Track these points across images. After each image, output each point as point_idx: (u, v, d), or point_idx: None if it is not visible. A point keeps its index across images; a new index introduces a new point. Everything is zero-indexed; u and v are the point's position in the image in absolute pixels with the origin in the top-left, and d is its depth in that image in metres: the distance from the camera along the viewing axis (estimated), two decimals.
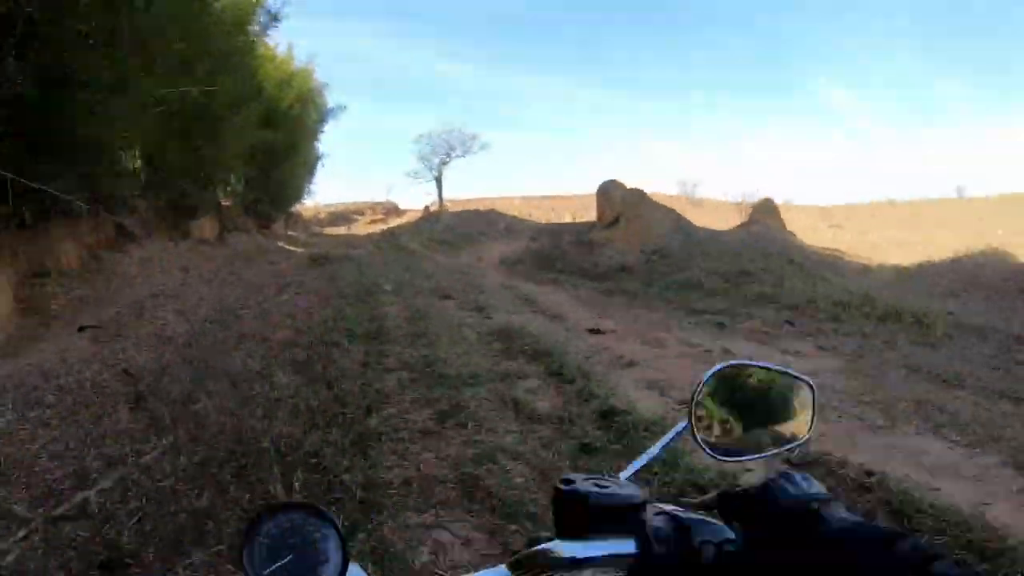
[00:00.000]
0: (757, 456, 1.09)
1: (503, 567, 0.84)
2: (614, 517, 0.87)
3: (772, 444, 1.11)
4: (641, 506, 0.88)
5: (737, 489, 0.90)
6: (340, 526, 0.86)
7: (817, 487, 0.86)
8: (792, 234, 18.60)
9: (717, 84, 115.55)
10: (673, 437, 1.11)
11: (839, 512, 0.81)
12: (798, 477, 0.88)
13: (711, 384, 1.07)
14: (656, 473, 3.77)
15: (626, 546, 0.84)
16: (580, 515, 0.87)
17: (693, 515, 0.87)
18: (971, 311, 11.30)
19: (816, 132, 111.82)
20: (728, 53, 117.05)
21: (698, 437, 1.04)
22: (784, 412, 1.13)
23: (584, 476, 0.91)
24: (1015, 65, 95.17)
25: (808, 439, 1.11)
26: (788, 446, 1.10)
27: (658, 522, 0.86)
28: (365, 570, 1.04)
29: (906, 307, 10.42)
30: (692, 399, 1.04)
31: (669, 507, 0.89)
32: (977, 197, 27.55)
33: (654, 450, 1.11)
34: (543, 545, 0.84)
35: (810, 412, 1.11)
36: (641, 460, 1.09)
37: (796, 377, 1.12)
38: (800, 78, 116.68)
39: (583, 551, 0.83)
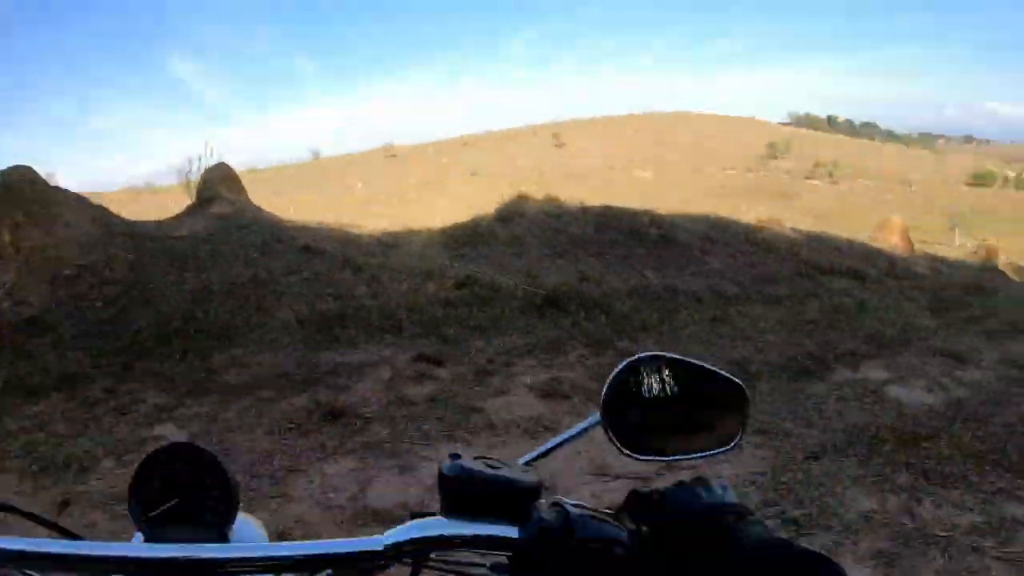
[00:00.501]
0: (677, 458, 1.05)
1: (380, 537, 0.80)
2: (502, 502, 0.84)
3: (696, 447, 1.06)
4: (533, 493, 0.86)
5: (646, 490, 0.88)
6: (228, 468, 0.90)
7: (733, 497, 0.83)
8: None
9: None
10: (583, 429, 1.04)
11: (755, 528, 0.78)
12: (716, 485, 0.85)
13: (628, 375, 1.03)
14: None
15: (509, 532, 0.83)
16: (465, 494, 0.84)
17: (588, 512, 0.84)
18: None
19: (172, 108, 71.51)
20: None
21: (610, 432, 0.99)
22: (711, 414, 1.08)
23: (475, 454, 0.89)
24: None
25: (736, 445, 1.06)
26: (714, 451, 1.06)
27: (547, 514, 0.84)
28: (250, 513, 1.07)
29: None
30: (605, 388, 1.00)
31: (567, 500, 0.86)
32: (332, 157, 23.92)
33: (559, 439, 1.05)
34: (423, 519, 0.85)
35: (740, 417, 1.07)
36: (544, 447, 1.05)
37: (728, 379, 1.07)
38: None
39: (463, 529, 0.82)
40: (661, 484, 0.87)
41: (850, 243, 16.97)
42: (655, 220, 13.68)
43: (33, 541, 0.73)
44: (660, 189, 52.44)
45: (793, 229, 16.82)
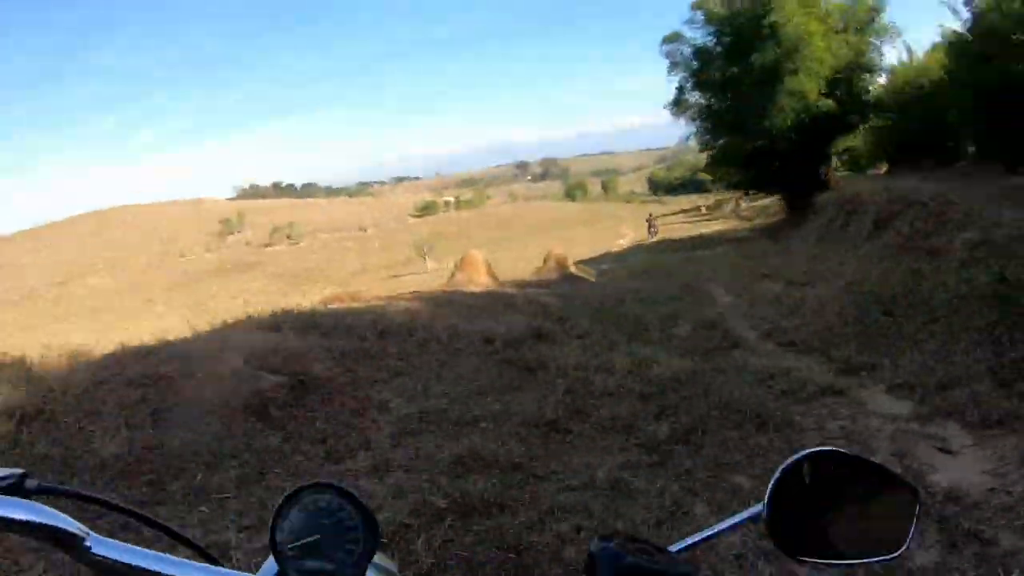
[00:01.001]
0: (837, 563, 0.99)
1: None
2: None
3: (858, 550, 1.01)
4: None
5: None
6: (369, 510, 0.89)
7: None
8: None
9: None
10: (743, 520, 0.98)
11: None
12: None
13: (794, 470, 0.98)
14: None
15: None
16: None
17: None
18: None
19: None
20: None
21: (770, 527, 0.95)
22: (877, 516, 1.02)
23: (626, 538, 0.85)
24: None
25: (902, 553, 0.99)
26: (877, 558, 1.01)
27: None
28: (391, 556, 1.07)
29: None
30: (772, 482, 0.96)
31: None
32: None
33: (716, 528, 0.99)
34: None
35: (909, 523, 1.00)
36: (697, 536, 0.99)
37: (899, 480, 1.03)
38: None
39: None
40: None
41: None
42: None
43: (169, 561, 0.80)
44: (121, 294, 51.95)
45: None
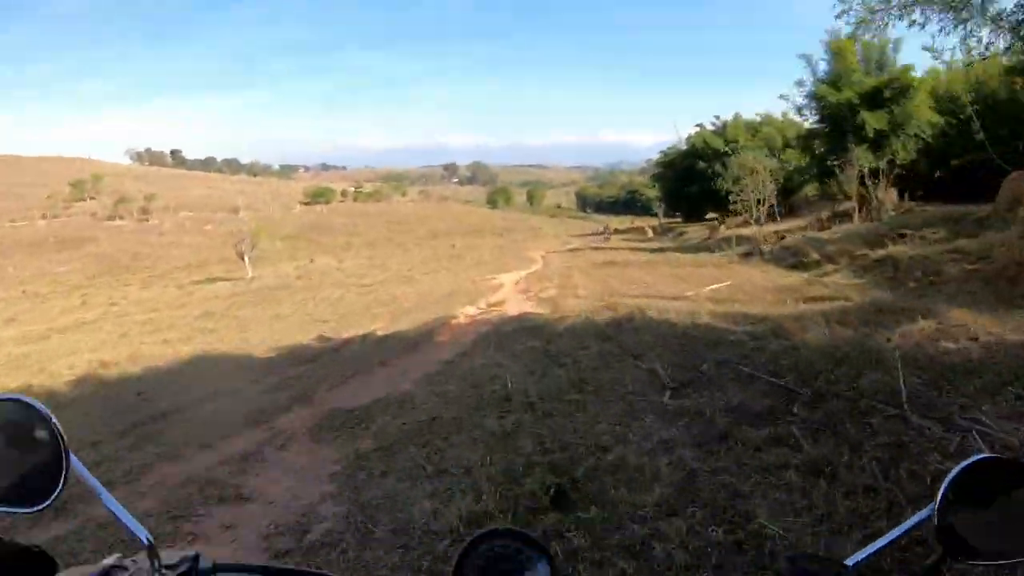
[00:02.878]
0: (1004, 561, 0.96)
1: None
2: None
3: (1021, 550, 0.97)
4: None
5: None
6: (553, 555, 0.87)
7: None
8: None
9: None
10: (910, 526, 0.99)
11: None
12: None
13: (962, 476, 0.96)
14: None
15: None
16: None
17: None
18: None
19: None
20: None
21: (941, 531, 0.94)
22: None
23: (810, 556, 0.81)
24: None
25: None
26: None
27: None
28: None
29: None
30: (942, 489, 0.94)
31: None
32: None
33: (890, 536, 1.01)
34: None
35: None
36: (873, 546, 1.00)
37: None
38: None
39: None
40: None
41: None
42: None
43: None
44: None
45: None
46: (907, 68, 26.33)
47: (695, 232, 40.05)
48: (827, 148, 25.23)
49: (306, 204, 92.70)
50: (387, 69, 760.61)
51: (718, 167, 50.18)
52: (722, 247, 26.20)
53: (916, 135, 25.82)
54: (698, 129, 53.87)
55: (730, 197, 31.02)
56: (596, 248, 34.21)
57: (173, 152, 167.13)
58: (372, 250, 46.23)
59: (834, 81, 27.28)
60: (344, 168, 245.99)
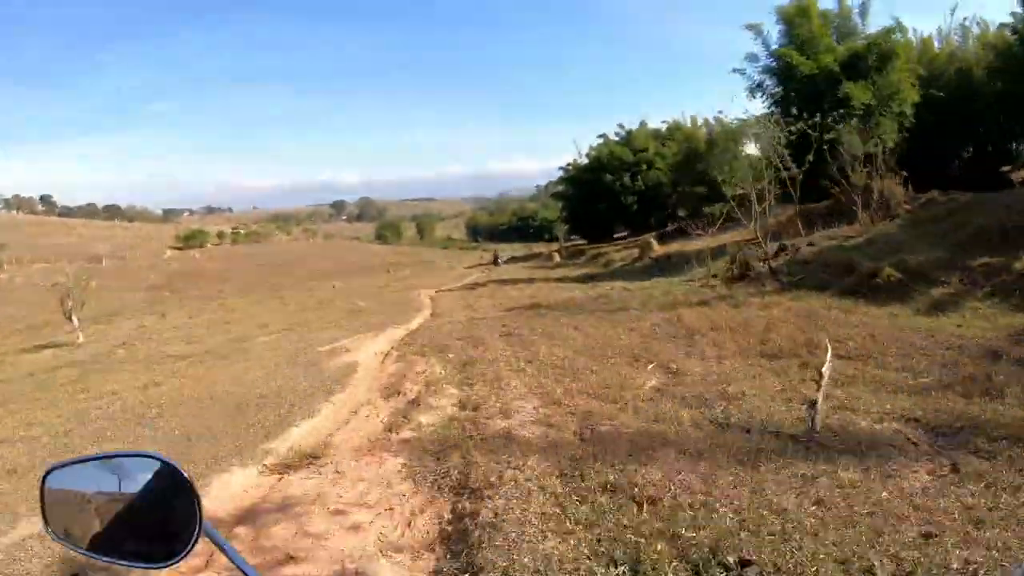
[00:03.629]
0: None
1: None
2: None
3: None
4: None
5: None
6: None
7: None
8: None
9: None
10: None
11: None
12: None
13: None
14: None
15: None
16: None
17: None
18: None
19: None
20: None
21: None
22: None
23: None
24: None
25: None
26: None
27: None
28: None
29: None
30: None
31: None
32: None
33: None
34: None
35: None
36: None
37: None
38: None
39: None
40: None
41: None
42: None
43: None
44: None
45: None
46: (889, 31, 20.56)
47: (617, 253, 33.03)
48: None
49: (179, 249, 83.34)
50: (272, 108, 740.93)
51: (626, 180, 45.19)
52: (687, 268, 19.07)
53: (901, 113, 19.81)
54: (601, 141, 47.78)
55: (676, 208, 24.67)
56: (500, 282, 26.50)
57: (43, 198, 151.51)
58: (239, 299, 37.79)
59: (799, 50, 21.27)
60: (230, 210, 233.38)
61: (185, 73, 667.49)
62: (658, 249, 26.86)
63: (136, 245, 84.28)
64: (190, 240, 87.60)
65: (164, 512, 0.94)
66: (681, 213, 37.49)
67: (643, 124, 47.38)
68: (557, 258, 39.69)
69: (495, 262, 46.28)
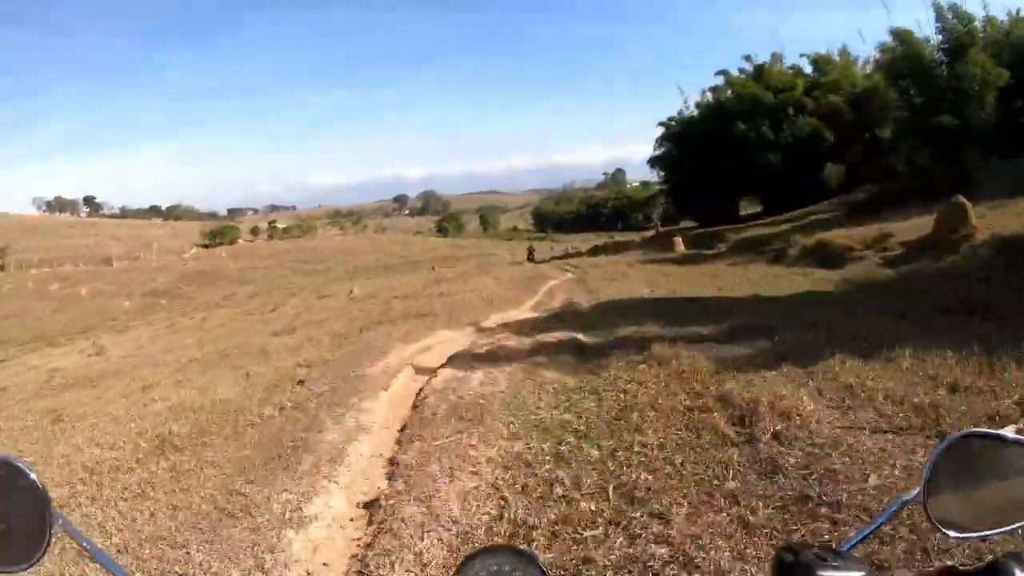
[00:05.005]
0: (990, 532, 0.93)
1: None
2: None
3: (1010, 521, 0.92)
4: None
5: (962, 567, 0.80)
6: (544, 568, 0.86)
7: None
8: None
9: None
10: (899, 507, 1.00)
11: None
12: None
13: (947, 453, 0.94)
14: None
15: None
16: None
17: None
18: None
19: None
20: None
21: (930, 509, 0.92)
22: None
23: (805, 547, 0.81)
24: None
25: None
26: None
27: None
28: None
29: None
30: (927, 467, 0.93)
31: None
32: None
33: (879, 519, 1.02)
34: None
35: None
36: (865, 531, 1.01)
37: None
38: None
39: None
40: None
41: None
42: None
43: None
44: None
45: None
46: None
47: (835, 238, 18.73)
48: None
49: (204, 247, 72.52)
50: (337, 104, 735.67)
51: (765, 130, 30.45)
52: None
53: None
54: (720, 81, 33.64)
55: None
56: (617, 306, 12.47)
57: (87, 199, 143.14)
58: (242, 306, 30.02)
59: None
60: (294, 208, 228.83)
61: (249, 71, 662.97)
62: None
63: (160, 244, 74.46)
64: (217, 237, 76.00)
65: (15, 512, 0.86)
66: (901, 168, 22.73)
67: (777, 57, 33.15)
68: (681, 247, 25.58)
69: (530, 257, 38.96)
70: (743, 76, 33.88)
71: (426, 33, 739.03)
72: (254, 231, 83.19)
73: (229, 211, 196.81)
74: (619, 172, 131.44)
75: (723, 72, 34.53)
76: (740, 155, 29.94)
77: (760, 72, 33.08)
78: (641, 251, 28.83)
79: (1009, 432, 0.98)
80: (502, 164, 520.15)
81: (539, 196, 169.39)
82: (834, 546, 0.88)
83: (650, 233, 41.44)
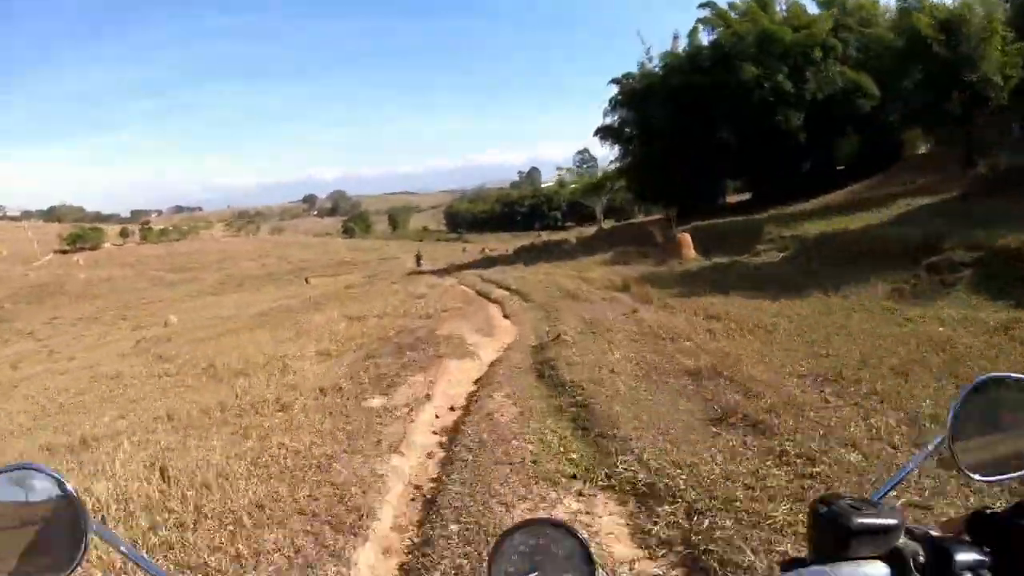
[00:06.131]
0: (1016, 475, 0.91)
1: None
2: (870, 541, 0.76)
3: None
4: (896, 529, 0.77)
5: (988, 511, 0.80)
6: (587, 543, 0.81)
7: None
8: None
9: None
10: (929, 453, 0.96)
11: None
12: None
13: (971, 397, 0.91)
14: None
15: (881, 571, 0.75)
16: (836, 538, 0.76)
17: (949, 539, 0.77)
18: None
19: None
20: None
21: (956, 454, 0.89)
22: None
23: (840, 497, 0.79)
24: None
25: None
26: None
27: (914, 547, 0.76)
28: None
29: None
30: (952, 412, 0.90)
31: (924, 530, 0.78)
32: None
33: (908, 467, 0.97)
34: (799, 570, 0.75)
35: None
36: (895, 478, 0.96)
37: None
38: None
39: (838, 572, 0.75)
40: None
41: None
42: None
43: None
44: None
45: None
46: None
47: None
48: None
49: (63, 253, 60.09)
50: (252, 104, 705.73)
51: (781, 79, 20.15)
52: None
53: None
54: (708, 13, 24.02)
55: None
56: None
57: None
58: (49, 340, 25.48)
59: None
60: (200, 209, 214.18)
61: (156, 70, 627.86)
62: None
63: (16, 250, 61.72)
64: (78, 241, 63.41)
65: (50, 521, 0.83)
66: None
67: None
68: (691, 252, 15.59)
69: (418, 263, 34.98)
70: (743, 2, 24.25)
71: (351, 34, 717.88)
72: (123, 233, 70.43)
73: (132, 212, 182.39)
74: (534, 171, 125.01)
75: (709, 3, 24.90)
76: (744, 117, 20.78)
77: (745, 12, 23.60)
78: (603, 256, 19.03)
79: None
80: (419, 166, 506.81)
81: (453, 196, 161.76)
82: (867, 497, 0.85)
83: (592, 230, 31.79)
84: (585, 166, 64.92)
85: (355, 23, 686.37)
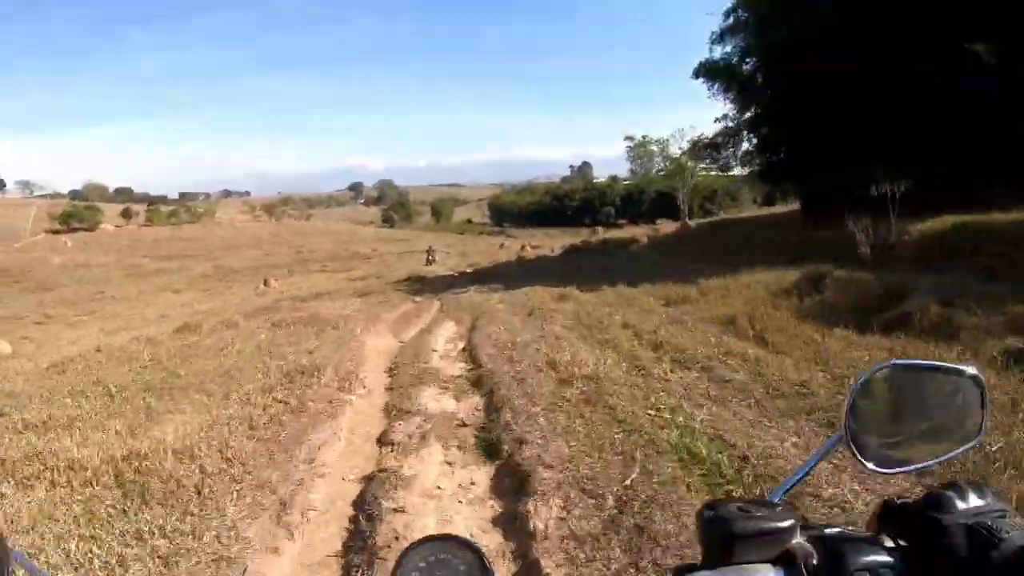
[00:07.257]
0: (921, 466, 0.88)
1: None
2: (757, 544, 0.72)
3: (937, 451, 0.87)
4: (787, 531, 0.73)
5: (898, 502, 0.75)
6: (486, 557, 0.79)
7: (992, 499, 0.71)
8: None
9: None
10: (826, 451, 0.91)
11: (1019, 529, 0.66)
12: (969, 488, 0.73)
13: (866, 388, 0.86)
14: None
15: (767, 575, 0.71)
16: (720, 543, 0.72)
17: (847, 536, 0.73)
18: None
19: None
20: None
21: (854, 449, 0.84)
22: (949, 413, 0.87)
23: (730, 501, 0.75)
24: None
25: (979, 439, 0.86)
26: (956, 451, 0.86)
27: (808, 548, 0.71)
28: None
29: None
30: (845, 407, 0.84)
31: (820, 529, 0.74)
32: None
33: (806, 467, 0.92)
34: (689, 574, 0.71)
35: (979, 410, 0.85)
36: (792, 479, 0.91)
37: (960, 372, 0.86)
38: None
39: None
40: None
41: None
42: None
43: None
44: None
45: None
46: None
47: None
48: None
49: (54, 233, 53.45)
50: (301, 93, 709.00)
51: None
52: None
53: None
54: None
55: None
56: None
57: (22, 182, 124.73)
58: None
59: None
60: (247, 194, 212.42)
61: (214, 58, 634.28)
62: None
63: (8, 228, 55.33)
64: (71, 220, 56.49)
65: None
66: None
67: None
68: None
69: (428, 262, 28.60)
70: None
71: (408, 31, 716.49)
72: (126, 214, 63.45)
73: (181, 195, 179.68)
74: (586, 165, 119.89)
75: None
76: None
77: None
78: (758, 275, 10.00)
79: (926, 360, 0.90)
80: (464, 158, 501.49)
81: (502, 189, 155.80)
82: (764, 498, 0.81)
83: (671, 227, 22.79)
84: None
85: (404, 17, 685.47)
